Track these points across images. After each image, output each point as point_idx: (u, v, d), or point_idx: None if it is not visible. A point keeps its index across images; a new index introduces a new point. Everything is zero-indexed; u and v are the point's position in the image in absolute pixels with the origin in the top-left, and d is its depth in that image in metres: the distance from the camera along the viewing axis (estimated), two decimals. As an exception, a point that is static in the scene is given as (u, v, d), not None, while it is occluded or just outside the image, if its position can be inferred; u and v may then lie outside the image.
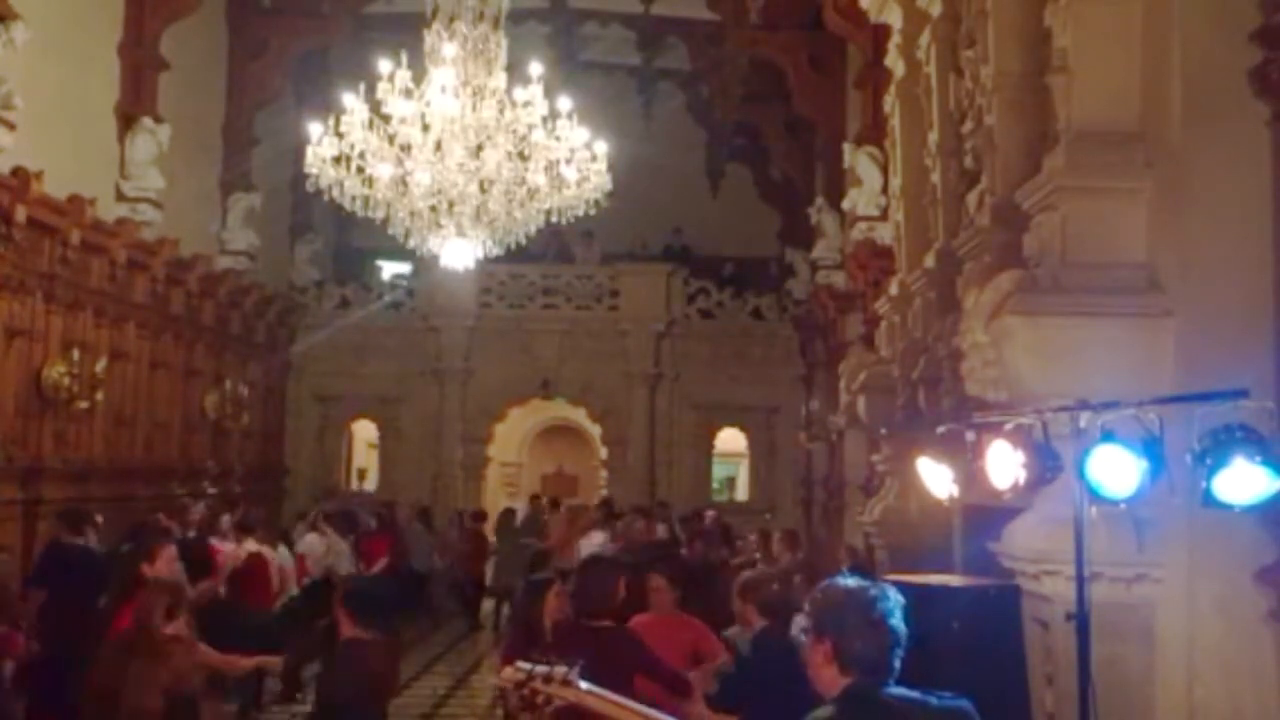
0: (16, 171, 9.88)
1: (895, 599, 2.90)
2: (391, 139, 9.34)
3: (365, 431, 19.20)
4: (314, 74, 16.46)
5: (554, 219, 9.98)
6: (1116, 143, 5.21)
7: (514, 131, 9.35)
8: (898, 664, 2.86)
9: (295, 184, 14.71)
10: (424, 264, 15.38)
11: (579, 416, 19.98)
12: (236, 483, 14.72)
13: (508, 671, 3.09)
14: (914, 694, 2.86)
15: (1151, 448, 3.86)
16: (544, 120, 9.40)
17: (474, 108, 9.23)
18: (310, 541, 12.51)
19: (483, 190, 9.56)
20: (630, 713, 3.11)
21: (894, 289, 8.62)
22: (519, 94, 9.32)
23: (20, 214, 9.96)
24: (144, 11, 13.31)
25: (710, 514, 14.58)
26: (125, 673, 5.34)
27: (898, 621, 2.87)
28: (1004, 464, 4.31)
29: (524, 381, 18.17)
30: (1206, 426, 3.68)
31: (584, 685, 3.03)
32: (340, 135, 9.34)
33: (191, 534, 10.19)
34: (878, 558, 8.47)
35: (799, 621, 7.11)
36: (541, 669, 3.02)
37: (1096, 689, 4.03)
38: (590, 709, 3.06)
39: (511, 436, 20.79)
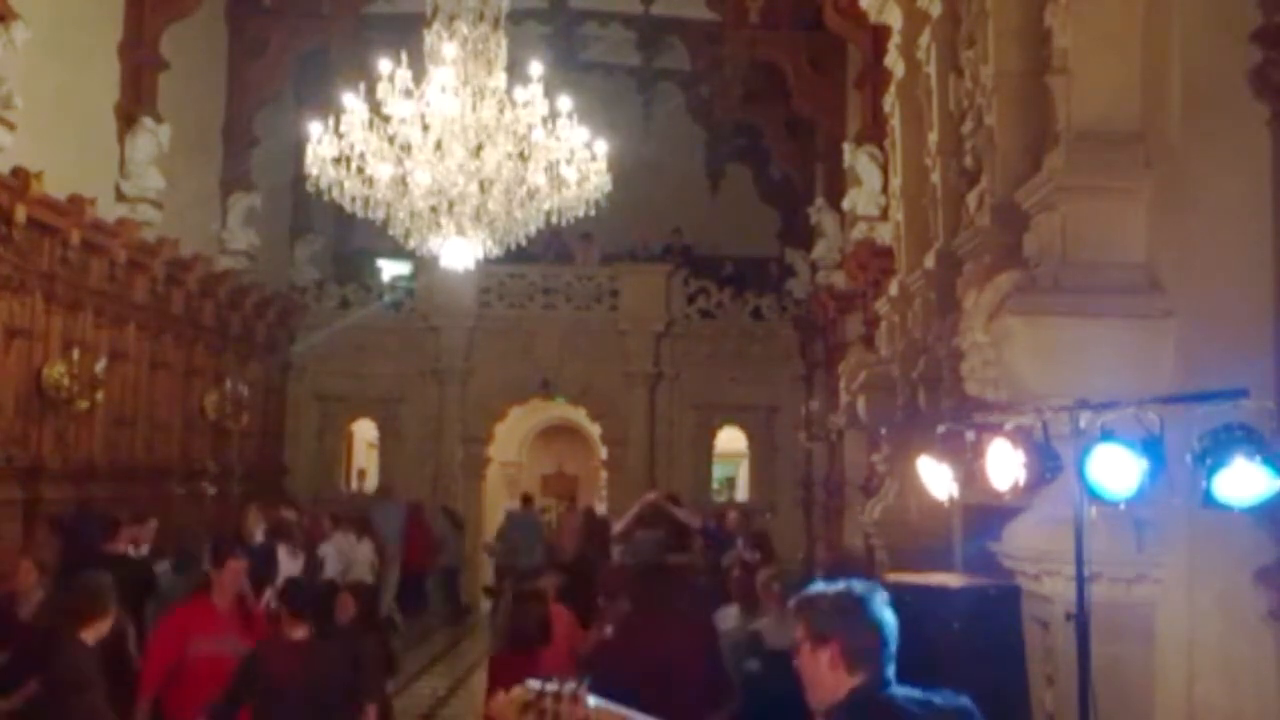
0: (16, 171, 9.87)
1: (881, 593, 2.99)
2: (391, 139, 9.34)
3: (365, 431, 19.19)
4: (314, 74, 16.43)
5: (554, 219, 9.98)
6: (1116, 143, 5.21)
7: (514, 132, 9.35)
8: (894, 650, 2.92)
9: (295, 184, 14.70)
10: (424, 264, 15.37)
11: (579, 416, 19.97)
12: (236, 483, 14.72)
13: (517, 690, 3.08)
14: (916, 693, 2.88)
15: (1151, 447, 3.86)
16: (544, 120, 9.40)
17: (474, 108, 9.23)
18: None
19: (483, 190, 9.55)
20: None
21: (894, 289, 8.62)
22: (519, 94, 9.32)
23: (20, 214, 9.96)
24: (144, 11, 13.30)
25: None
26: None
27: (889, 613, 2.95)
28: (1004, 464, 4.31)
29: (524, 381, 18.15)
30: (1206, 426, 3.68)
31: (592, 701, 3.02)
32: (340, 135, 9.34)
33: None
34: (878, 558, 8.47)
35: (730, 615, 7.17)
36: (552, 686, 3.01)
37: (1096, 689, 4.03)
38: None
39: (511, 436, 20.77)
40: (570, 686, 2.98)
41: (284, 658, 5.75)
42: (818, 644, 2.90)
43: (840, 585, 3.02)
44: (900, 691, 2.88)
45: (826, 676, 2.89)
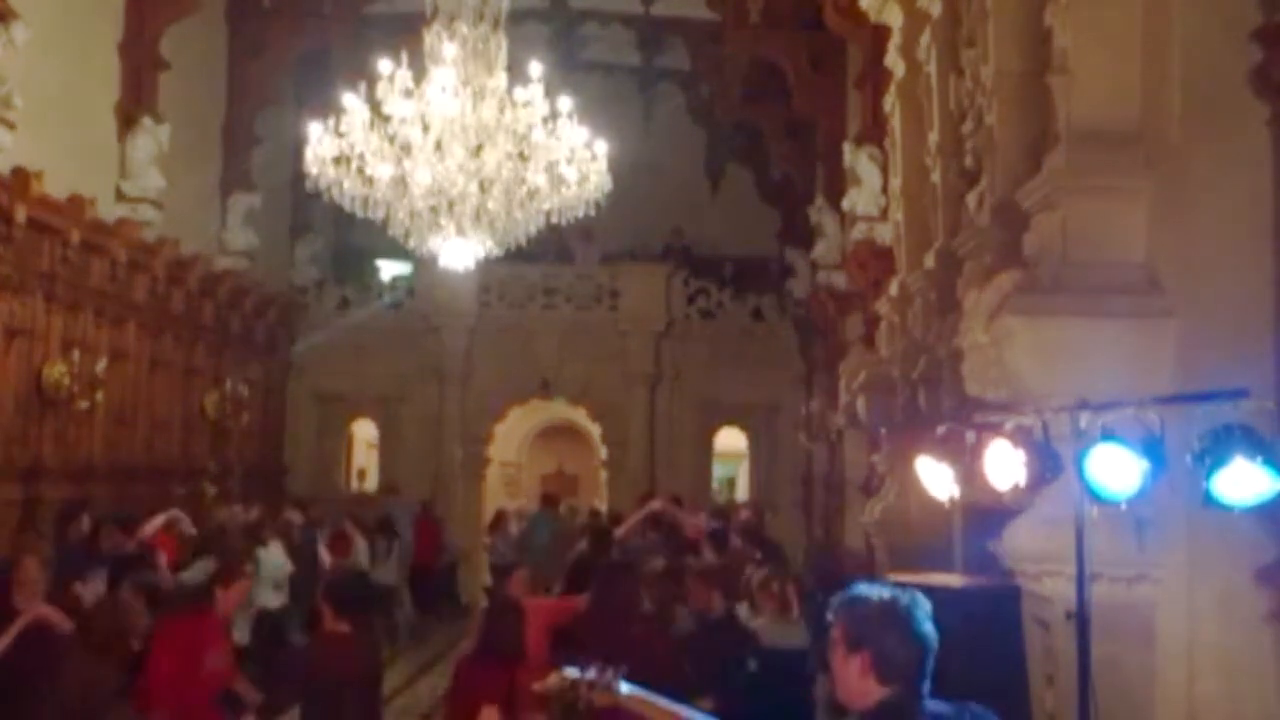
0: (16, 171, 9.88)
1: (924, 605, 2.91)
2: (391, 139, 9.34)
3: (365, 431, 19.20)
4: (314, 74, 16.42)
5: (554, 219, 9.97)
6: (1116, 143, 5.21)
7: (514, 131, 9.34)
8: (931, 666, 2.86)
9: (295, 184, 14.69)
10: (424, 264, 15.37)
11: (579, 416, 19.98)
12: (236, 482, 14.72)
13: (553, 678, 3.10)
14: (947, 709, 2.85)
15: (1152, 447, 3.85)
16: (544, 120, 9.40)
17: (474, 108, 9.22)
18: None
19: (483, 190, 9.55)
20: (670, 715, 3.11)
21: (894, 289, 8.62)
22: (519, 94, 9.31)
23: (20, 214, 9.96)
24: (144, 11, 13.29)
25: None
26: None
27: (930, 628, 2.87)
28: (1004, 464, 4.30)
29: (524, 381, 18.16)
30: (1206, 426, 3.67)
31: (625, 688, 3.03)
32: (340, 135, 9.33)
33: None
34: (878, 558, 8.47)
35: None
36: (590, 674, 3.03)
37: (1096, 689, 4.03)
38: (630, 711, 3.06)
39: (511, 436, 20.79)
40: (607, 675, 3.02)
41: (335, 651, 5.88)
42: (851, 649, 2.85)
43: (886, 592, 2.94)
44: (931, 707, 2.83)
45: (855, 682, 2.85)
